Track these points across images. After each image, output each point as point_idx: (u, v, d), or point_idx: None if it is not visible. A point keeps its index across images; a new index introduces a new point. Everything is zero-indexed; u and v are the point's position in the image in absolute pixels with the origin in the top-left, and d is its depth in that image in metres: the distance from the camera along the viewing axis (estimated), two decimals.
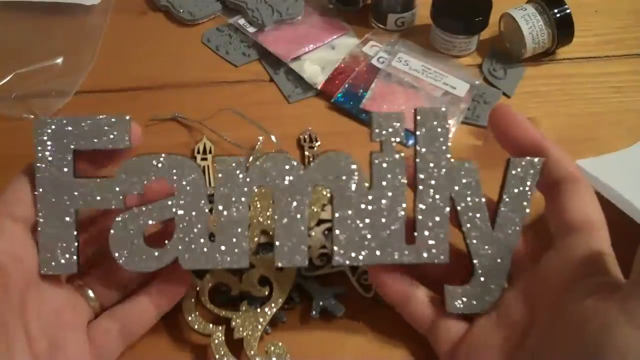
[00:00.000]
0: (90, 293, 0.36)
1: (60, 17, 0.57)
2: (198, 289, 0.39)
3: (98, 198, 0.34)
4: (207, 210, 0.34)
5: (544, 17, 0.52)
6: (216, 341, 0.37)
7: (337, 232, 0.35)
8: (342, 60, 0.54)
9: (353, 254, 0.35)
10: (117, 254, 0.34)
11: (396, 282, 0.36)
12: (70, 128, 0.34)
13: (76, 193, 0.34)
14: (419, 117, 0.35)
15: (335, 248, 0.35)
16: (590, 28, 0.57)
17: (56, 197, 0.34)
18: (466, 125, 0.50)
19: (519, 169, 0.35)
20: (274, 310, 0.38)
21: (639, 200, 0.37)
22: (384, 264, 0.35)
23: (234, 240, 0.34)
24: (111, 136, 0.34)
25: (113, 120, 0.34)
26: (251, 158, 0.45)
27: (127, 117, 0.34)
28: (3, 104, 0.50)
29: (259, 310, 0.38)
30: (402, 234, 0.35)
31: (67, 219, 0.34)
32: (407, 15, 0.56)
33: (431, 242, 0.35)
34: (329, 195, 0.42)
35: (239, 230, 0.34)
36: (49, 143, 0.34)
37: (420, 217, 0.35)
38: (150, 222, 0.34)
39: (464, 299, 0.35)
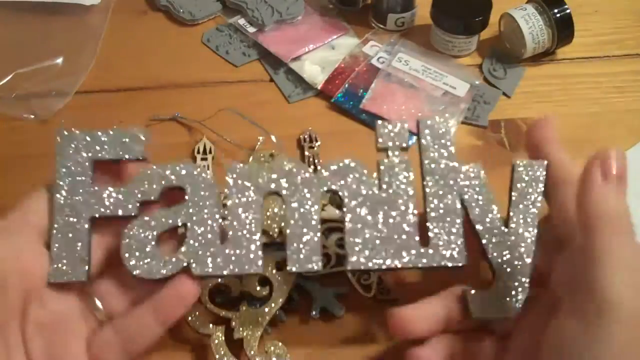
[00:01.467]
0: (98, 303, 0.34)
1: (60, 17, 0.57)
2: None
3: (113, 206, 0.34)
4: (218, 217, 0.34)
5: (544, 17, 0.52)
6: (216, 341, 0.37)
7: (350, 238, 0.35)
8: (342, 60, 0.54)
9: (367, 259, 0.34)
10: (127, 261, 0.34)
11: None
12: (89, 140, 0.35)
13: (92, 201, 0.34)
14: (420, 125, 0.36)
15: (349, 253, 0.34)
16: (590, 28, 0.57)
17: (72, 205, 0.34)
18: (466, 125, 0.50)
19: (521, 169, 0.35)
20: (274, 310, 0.38)
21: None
22: (398, 268, 0.34)
23: (246, 246, 0.34)
24: (128, 148, 0.35)
25: (131, 133, 0.36)
26: (251, 158, 0.45)
27: (145, 132, 0.36)
28: (3, 104, 0.50)
29: (259, 310, 0.38)
30: (416, 237, 0.35)
31: (82, 226, 0.34)
32: (407, 15, 0.56)
33: (446, 243, 0.34)
34: (329, 195, 0.42)
35: (251, 236, 0.34)
36: (68, 154, 0.35)
37: (432, 220, 0.35)
38: (162, 229, 0.34)
39: (488, 304, 0.34)
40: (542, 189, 0.35)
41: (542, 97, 0.52)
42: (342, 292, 0.40)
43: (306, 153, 0.47)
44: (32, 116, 0.50)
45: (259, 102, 0.51)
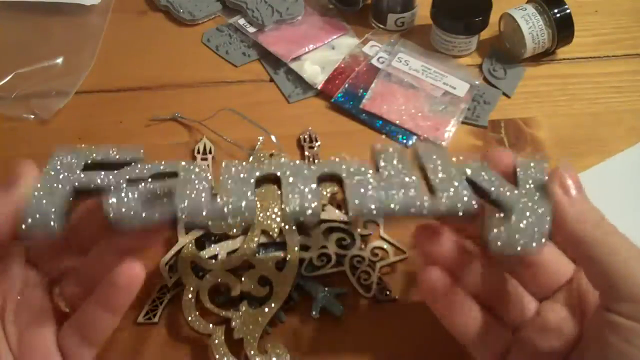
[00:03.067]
0: (62, 299, 0.34)
1: (60, 17, 0.57)
2: (198, 289, 0.39)
3: (99, 181, 0.31)
4: (210, 178, 0.32)
5: (544, 17, 0.52)
6: (216, 341, 0.37)
7: (351, 190, 0.31)
8: (342, 60, 0.54)
9: (368, 205, 0.31)
10: (112, 215, 0.30)
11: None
12: (83, 158, 0.33)
13: (78, 176, 0.32)
14: (418, 151, 0.34)
15: (350, 200, 0.31)
16: (590, 28, 0.57)
17: (58, 176, 0.31)
18: (466, 125, 0.50)
19: (524, 167, 0.33)
20: (274, 310, 0.38)
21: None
22: (401, 215, 0.31)
23: (240, 193, 0.31)
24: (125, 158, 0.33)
25: (124, 152, 0.33)
26: (251, 158, 0.45)
27: (140, 150, 0.34)
28: (3, 104, 0.50)
29: (259, 310, 0.38)
30: (419, 188, 0.32)
31: (64, 189, 0.31)
32: (407, 15, 0.56)
33: (454, 194, 0.31)
34: (329, 195, 0.42)
35: (246, 187, 0.31)
36: (60, 163, 0.32)
37: (438, 186, 0.32)
38: (149, 181, 0.32)
39: (508, 234, 0.30)
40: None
41: (542, 97, 0.52)
42: (342, 292, 0.40)
43: (306, 153, 0.47)
44: (32, 116, 0.50)
45: (259, 102, 0.51)
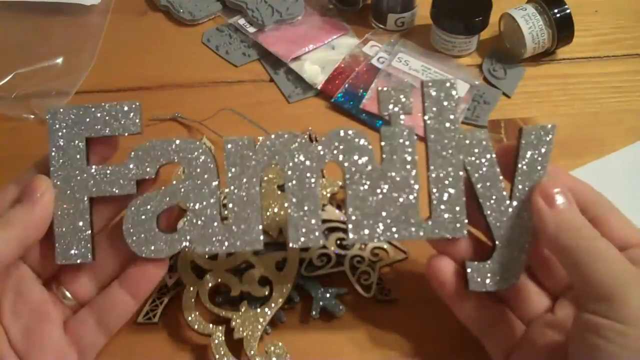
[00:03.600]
0: (66, 292, 0.36)
1: (60, 17, 0.57)
2: (198, 289, 0.39)
3: (111, 185, 0.34)
4: (218, 193, 0.35)
5: (544, 17, 0.52)
6: (216, 341, 0.37)
7: (351, 209, 0.34)
8: (342, 60, 0.54)
9: (367, 232, 0.34)
10: (130, 240, 0.34)
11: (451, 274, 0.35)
12: (82, 116, 0.35)
13: (90, 181, 0.34)
14: (425, 88, 0.35)
15: (350, 227, 0.34)
16: (590, 28, 0.57)
17: (70, 187, 0.34)
18: (466, 125, 0.50)
19: (532, 135, 0.34)
20: (274, 310, 0.38)
21: None
22: (398, 239, 0.34)
23: (247, 222, 0.34)
24: (122, 122, 0.35)
25: (124, 107, 0.35)
26: None
27: (137, 104, 0.35)
28: (3, 104, 0.50)
29: (259, 310, 0.38)
30: (417, 208, 0.34)
31: (81, 207, 0.34)
32: (407, 15, 0.56)
33: (448, 215, 0.34)
34: (329, 195, 0.42)
35: (252, 211, 0.34)
36: (62, 132, 0.35)
37: (434, 190, 0.34)
38: (162, 206, 0.34)
39: (488, 276, 0.34)
40: (549, 152, 0.34)
41: (542, 97, 0.52)
42: (342, 292, 0.40)
43: None
44: (32, 116, 0.50)
45: (259, 102, 0.51)
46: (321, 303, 0.39)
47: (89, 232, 0.34)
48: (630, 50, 0.56)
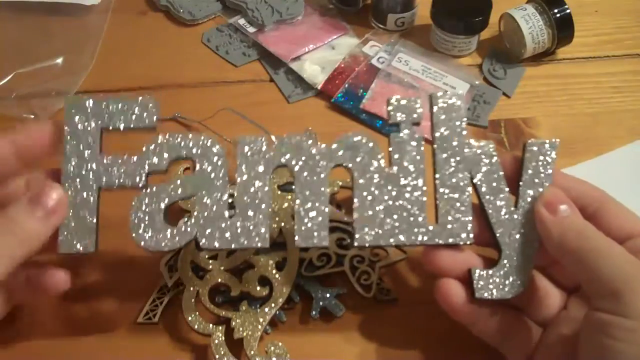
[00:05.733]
0: None
1: (60, 17, 0.57)
2: (198, 289, 0.39)
3: (122, 176, 0.35)
4: (228, 189, 0.35)
5: (544, 17, 0.52)
6: (216, 341, 0.37)
7: (357, 215, 0.34)
8: (342, 60, 0.54)
9: (373, 236, 0.34)
10: (135, 232, 0.34)
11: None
12: (98, 108, 0.35)
13: (102, 171, 0.35)
14: (433, 100, 0.36)
15: (356, 229, 0.34)
16: (590, 28, 0.57)
17: (81, 176, 0.35)
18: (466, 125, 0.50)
19: (535, 148, 0.35)
20: (274, 310, 0.38)
21: None
22: (405, 245, 0.35)
23: (255, 219, 0.34)
24: (138, 116, 0.35)
25: (142, 102, 0.35)
26: None
27: (155, 101, 0.36)
28: (3, 104, 0.50)
29: (259, 310, 0.38)
30: (424, 214, 0.35)
31: (90, 198, 0.34)
32: (407, 15, 0.56)
33: (455, 223, 0.34)
34: (329, 195, 0.42)
35: (261, 208, 0.34)
36: (78, 119, 0.35)
37: (442, 197, 0.35)
38: (171, 201, 0.35)
39: (494, 283, 0.34)
40: (553, 165, 0.35)
41: (542, 97, 0.52)
42: (342, 292, 0.40)
43: None
44: (32, 116, 0.50)
45: (259, 102, 0.51)
46: (321, 303, 0.39)
47: (95, 221, 0.34)
48: (630, 50, 0.56)
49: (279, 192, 0.42)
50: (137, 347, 0.38)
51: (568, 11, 0.52)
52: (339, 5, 0.58)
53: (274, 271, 0.39)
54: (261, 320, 0.38)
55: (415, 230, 0.34)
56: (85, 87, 0.52)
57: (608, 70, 0.54)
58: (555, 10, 0.52)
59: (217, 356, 0.36)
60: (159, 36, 0.57)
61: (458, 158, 0.35)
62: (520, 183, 0.35)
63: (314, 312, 0.39)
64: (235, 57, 0.55)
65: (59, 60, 0.53)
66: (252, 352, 0.37)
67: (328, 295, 0.40)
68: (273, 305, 0.38)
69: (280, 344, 0.37)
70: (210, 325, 0.37)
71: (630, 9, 0.60)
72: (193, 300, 0.38)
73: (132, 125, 0.35)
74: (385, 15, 0.56)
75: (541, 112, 0.51)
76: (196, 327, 0.37)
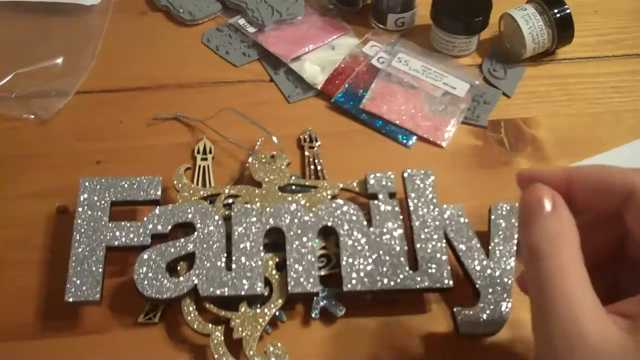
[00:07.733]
0: None
1: (60, 17, 0.57)
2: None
3: (128, 238, 0.39)
4: (224, 246, 0.39)
5: (544, 17, 0.52)
6: (215, 341, 0.37)
7: (347, 267, 0.39)
8: (342, 60, 0.54)
9: (361, 285, 0.38)
10: (139, 283, 0.38)
11: None
12: (110, 185, 0.41)
13: (110, 234, 0.39)
14: (406, 176, 0.42)
15: (345, 280, 0.38)
16: (590, 28, 0.57)
17: (90, 237, 0.39)
18: (466, 125, 0.50)
19: (502, 213, 0.41)
20: (274, 310, 0.38)
21: None
22: (389, 288, 0.38)
23: (250, 269, 0.38)
24: (144, 192, 0.41)
25: (145, 180, 0.42)
26: (251, 158, 0.45)
27: (159, 178, 0.42)
28: (3, 104, 0.50)
29: (258, 310, 0.38)
30: (406, 263, 0.39)
31: (98, 254, 0.39)
32: (407, 15, 0.56)
33: (433, 268, 0.39)
34: (329, 197, 0.42)
35: (255, 260, 0.38)
36: (90, 194, 0.41)
37: (420, 253, 0.39)
38: (173, 256, 0.39)
39: (476, 320, 0.38)
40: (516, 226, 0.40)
41: (542, 97, 0.52)
42: (342, 292, 0.40)
43: (306, 153, 0.47)
44: (32, 116, 0.50)
45: (259, 102, 0.51)
46: (321, 303, 0.39)
47: (102, 274, 0.38)
48: (630, 50, 0.56)
49: (280, 193, 0.42)
50: (137, 347, 0.38)
51: (568, 11, 0.52)
52: (339, 6, 0.58)
53: (273, 271, 0.39)
54: (260, 320, 0.38)
55: (398, 277, 0.38)
56: (85, 87, 0.52)
57: (608, 70, 0.54)
58: (555, 10, 0.52)
59: (216, 356, 0.36)
60: (159, 36, 0.57)
61: (432, 225, 0.40)
62: (490, 238, 0.40)
63: (314, 313, 0.39)
64: (235, 57, 0.55)
65: (59, 60, 0.53)
66: (251, 353, 0.37)
67: (328, 295, 0.40)
68: (273, 305, 0.38)
69: (279, 344, 0.37)
70: (210, 325, 0.37)
71: (630, 9, 0.60)
72: (193, 300, 0.38)
73: (138, 199, 0.41)
74: (385, 15, 0.56)
75: (541, 112, 0.51)
76: (196, 327, 0.37)
